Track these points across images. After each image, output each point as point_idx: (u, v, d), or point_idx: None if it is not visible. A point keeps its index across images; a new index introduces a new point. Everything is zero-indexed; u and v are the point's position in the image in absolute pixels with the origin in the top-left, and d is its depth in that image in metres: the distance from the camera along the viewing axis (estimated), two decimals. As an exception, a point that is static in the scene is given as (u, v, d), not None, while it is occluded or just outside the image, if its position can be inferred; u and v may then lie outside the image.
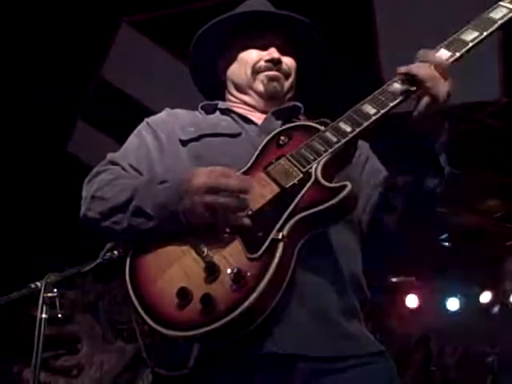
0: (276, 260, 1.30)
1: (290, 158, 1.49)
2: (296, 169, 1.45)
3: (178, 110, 1.84)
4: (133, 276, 1.45)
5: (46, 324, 1.85)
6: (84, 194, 1.62)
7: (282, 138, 1.56)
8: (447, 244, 6.39)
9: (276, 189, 1.44)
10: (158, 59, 4.20)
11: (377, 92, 1.48)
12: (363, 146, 1.77)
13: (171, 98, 4.50)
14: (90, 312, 6.78)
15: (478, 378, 6.52)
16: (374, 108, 1.45)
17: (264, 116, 1.77)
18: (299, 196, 1.39)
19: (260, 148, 1.57)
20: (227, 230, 1.39)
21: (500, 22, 1.46)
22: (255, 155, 1.55)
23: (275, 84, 1.76)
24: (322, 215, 1.38)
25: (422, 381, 7.23)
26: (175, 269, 1.38)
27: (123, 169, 1.65)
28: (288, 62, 1.79)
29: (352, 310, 1.54)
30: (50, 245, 5.51)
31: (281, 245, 1.32)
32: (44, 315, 1.86)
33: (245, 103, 1.82)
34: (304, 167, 1.45)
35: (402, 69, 1.45)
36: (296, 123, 1.62)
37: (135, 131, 1.79)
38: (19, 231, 5.52)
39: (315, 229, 1.41)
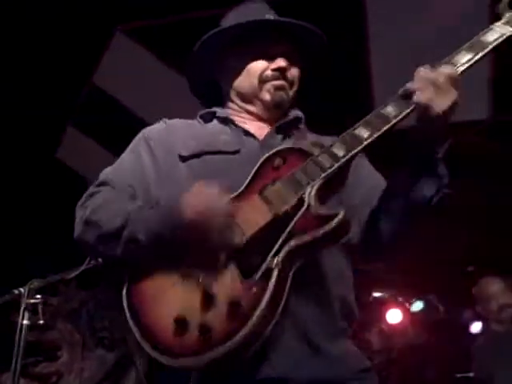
0: (271, 287, 1.31)
1: (284, 182, 1.48)
2: (290, 194, 1.45)
3: (177, 122, 1.83)
4: (130, 302, 1.47)
5: (27, 330, 1.83)
6: (78, 215, 1.61)
7: (277, 160, 1.55)
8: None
9: (270, 215, 1.44)
10: (151, 68, 4.21)
11: (371, 114, 1.49)
12: (361, 162, 1.76)
13: (163, 106, 4.51)
14: (72, 319, 6.73)
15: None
16: (368, 131, 1.46)
17: (264, 125, 1.77)
18: (292, 223, 1.39)
19: (255, 169, 1.56)
20: (222, 257, 1.39)
21: (493, 45, 1.51)
22: (250, 176, 1.55)
23: (282, 93, 1.75)
24: (314, 242, 1.39)
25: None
26: (172, 296, 1.40)
27: (118, 189, 1.64)
28: (293, 70, 1.78)
29: (341, 332, 1.56)
30: (38, 250, 5.47)
31: (275, 272, 1.33)
32: (26, 321, 1.84)
33: (247, 112, 1.80)
34: (297, 192, 1.45)
35: (401, 90, 1.47)
36: (289, 146, 1.61)
37: (132, 146, 1.77)
38: (7, 236, 5.48)
39: (308, 255, 1.42)
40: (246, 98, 1.79)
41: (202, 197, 1.42)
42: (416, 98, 1.43)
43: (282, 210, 1.43)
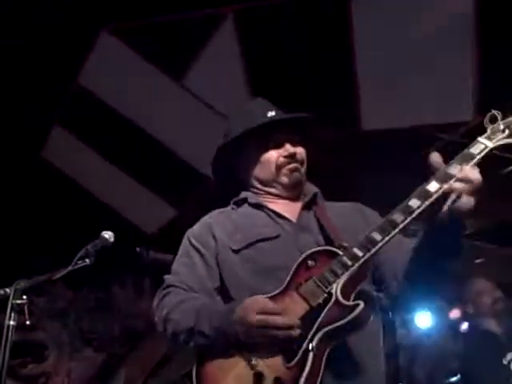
0: (308, 367, 1.63)
1: (316, 280, 1.79)
2: (320, 289, 1.76)
3: (214, 217, 2.14)
4: (198, 381, 1.81)
5: (13, 331, 1.83)
6: (157, 315, 1.99)
7: (310, 261, 1.85)
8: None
9: (306, 307, 1.75)
10: (136, 68, 4.20)
11: (382, 221, 1.78)
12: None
13: (148, 107, 4.52)
14: (59, 319, 6.71)
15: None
16: (380, 235, 1.74)
17: (290, 203, 2.10)
18: (323, 313, 1.71)
19: (292, 270, 1.85)
20: (270, 344, 1.71)
21: (479, 157, 1.75)
22: (289, 276, 1.85)
23: (296, 174, 2.09)
24: (341, 329, 1.68)
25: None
26: (230, 377, 1.74)
27: (182, 289, 2.00)
28: (299, 151, 2.10)
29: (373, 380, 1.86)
30: (24, 250, 5.45)
31: (311, 354, 1.65)
32: (12, 322, 1.85)
33: (269, 193, 2.13)
34: (327, 288, 1.76)
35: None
36: (319, 248, 1.91)
37: (182, 250, 2.12)
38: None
39: (338, 339, 1.71)
40: (266, 182, 2.13)
41: (263, 307, 1.75)
42: (465, 202, 1.69)
43: (315, 303, 1.74)
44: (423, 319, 7.74)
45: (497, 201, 5.16)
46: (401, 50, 3.92)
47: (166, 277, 2.07)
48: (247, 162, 2.15)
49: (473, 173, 1.69)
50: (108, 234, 2.24)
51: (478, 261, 6.84)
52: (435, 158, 1.76)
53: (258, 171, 2.13)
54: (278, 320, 1.71)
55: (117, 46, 4.06)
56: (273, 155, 2.09)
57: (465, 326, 6.82)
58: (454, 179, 1.69)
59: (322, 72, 4.07)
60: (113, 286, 7.09)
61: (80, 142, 5.03)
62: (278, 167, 2.08)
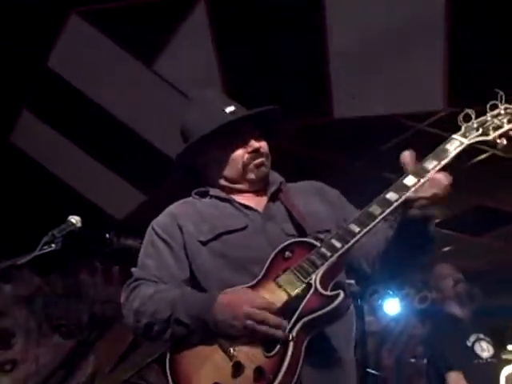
0: (288, 356, 1.63)
1: (294, 270, 1.79)
2: (299, 280, 1.77)
3: (179, 208, 2.11)
4: (172, 371, 1.80)
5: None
6: (127, 308, 1.95)
7: (287, 252, 1.85)
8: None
9: (285, 297, 1.75)
10: (107, 52, 4.14)
11: (360, 213, 1.80)
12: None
13: (119, 91, 4.47)
14: (26, 306, 6.64)
15: (414, 380, 6.69)
16: (358, 227, 1.77)
17: (256, 194, 2.09)
18: (303, 304, 1.71)
19: (269, 261, 1.86)
20: (250, 334, 1.70)
21: (454, 153, 1.79)
22: (265, 267, 1.85)
23: (263, 168, 2.07)
24: (321, 318, 1.69)
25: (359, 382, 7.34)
26: (208, 366, 1.74)
27: (152, 281, 1.96)
28: (263, 144, 2.09)
29: (348, 369, 1.91)
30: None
31: (291, 344, 1.65)
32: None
33: (237, 190, 2.10)
34: (306, 278, 1.76)
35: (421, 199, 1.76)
36: (298, 239, 1.92)
37: (147, 241, 2.08)
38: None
39: (317, 328, 1.72)
40: (232, 180, 2.10)
41: (239, 295, 1.77)
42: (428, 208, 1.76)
43: (294, 293, 1.74)
44: (391, 306, 7.85)
45: (466, 190, 5.25)
46: (374, 38, 3.92)
47: (134, 270, 2.04)
48: (210, 160, 2.12)
49: (440, 185, 1.75)
50: (75, 219, 2.19)
51: (446, 249, 6.95)
52: (407, 157, 1.80)
53: (224, 170, 2.09)
54: (270, 318, 1.70)
55: (87, 28, 3.99)
56: (238, 153, 2.06)
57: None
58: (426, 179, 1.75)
59: (294, 59, 4.06)
60: (81, 272, 7.04)
61: (49, 126, 4.97)
62: (245, 164, 2.06)
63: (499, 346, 4.05)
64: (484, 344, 3.74)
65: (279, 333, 1.67)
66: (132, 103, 4.57)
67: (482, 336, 3.77)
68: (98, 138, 5.04)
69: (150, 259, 2.02)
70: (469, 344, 3.73)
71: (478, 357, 3.69)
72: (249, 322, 1.69)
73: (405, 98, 4.27)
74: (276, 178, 2.14)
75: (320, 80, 4.17)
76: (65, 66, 4.32)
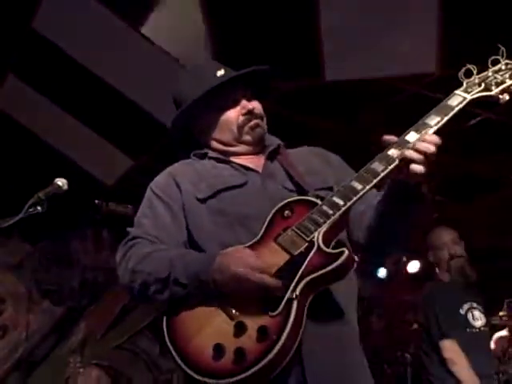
0: (292, 315, 1.61)
1: (295, 229, 1.76)
2: (301, 238, 1.73)
3: (177, 168, 2.07)
4: (170, 334, 1.73)
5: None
6: (122, 267, 1.88)
7: (287, 211, 1.83)
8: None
9: (286, 256, 1.72)
10: (93, 13, 4.05)
11: (362, 170, 1.75)
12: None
13: (105, 53, 4.38)
14: (16, 272, 6.63)
15: (403, 344, 6.77)
16: (361, 184, 1.73)
17: (254, 157, 2.05)
18: (306, 262, 1.68)
19: (268, 220, 1.83)
20: (251, 294, 1.68)
21: (457, 108, 1.76)
22: (265, 226, 1.82)
23: (259, 130, 2.03)
24: (325, 277, 1.66)
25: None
26: (209, 328, 1.69)
27: (149, 241, 1.90)
28: (256, 105, 2.06)
29: (353, 338, 1.88)
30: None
31: (295, 303, 1.62)
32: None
33: (233, 153, 2.06)
34: (308, 236, 1.72)
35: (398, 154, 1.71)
36: (297, 198, 1.89)
37: (145, 201, 2.03)
38: None
39: (321, 286, 1.69)
40: (228, 143, 2.06)
41: (238, 255, 1.72)
42: (415, 169, 1.68)
43: (296, 251, 1.71)
44: (381, 271, 7.90)
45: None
46: (364, 2, 3.86)
47: (130, 229, 1.98)
48: (204, 125, 2.09)
49: (428, 146, 1.70)
50: (61, 181, 2.13)
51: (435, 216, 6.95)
52: (386, 138, 1.76)
53: (219, 133, 2.06)
54: (266, 278, 1.66)
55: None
56: (232, 115, 2.04)
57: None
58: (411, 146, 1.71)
59: (285, 22, 3.99)
60: (71, 239, 7.03)
61: (35, 91, 4.88)
62: (240, 126, 2.02)
63: (490, 313, 4.08)
64: (477, 313, 3.75)
65: (278, 293, 1.64)
66: (119, 66, 4.49)
67: (474, 305, 3.78)
68: (85, 103, 4.96)
69: (147, 219, 1.97)
70: (462, 312, 3.74)
71: (472, 326, 3.70)
72: (245, 282, 1.66)
73: (396, 61, 4.22)
74: (273, 140, 2.11)
75: (311, 42, 4.11)
76: (50, 27, 4.22)
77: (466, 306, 3.76)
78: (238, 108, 2.03)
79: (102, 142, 5.39)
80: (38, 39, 4.29)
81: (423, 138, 1.70)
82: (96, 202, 6.30)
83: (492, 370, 4.01)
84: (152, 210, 1.98)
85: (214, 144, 2.08)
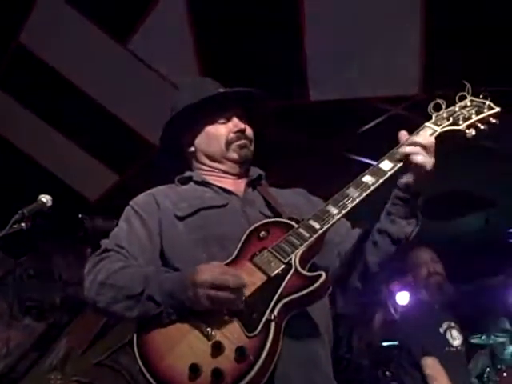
0: (271, 336, 1.61)
1: (271, 250, 1.78)
2: (278, 260, 1.75)
3: (160, 189, 2.08)
4: (142, 352, 1.71)
5: None
6: (90, 278, 1.86)
7: (263, 232, 1.85)
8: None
9: (263, 277, 1.73)
10: (80, 28, 4.07)
11: (337, 194, 1.80)
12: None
13: (92, 70, 4.40)
14: (-3, 287, 6.58)
15: (384, 362, 6.78)
16: (337, 208, 1.78)
17: (236, 180, 2.09)
18: (284, 283, 1.69)
19: (243, 239, 1.85)
20: (226, 313, 1.67)
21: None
22: (240, 245, 1.83)
23: (246, 150, 2.07)
24: (302, 299, 1.68)
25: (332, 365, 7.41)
26: (182, 347, 1.67)
27: (121, 254, 1.90)
28: (248, 129, 2.10)
29: (324, 349, 1.87)
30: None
31: (273, 324, 1.62)
32: None
33: (217, 169, 2.10)
34: (285, 258, 1.74)
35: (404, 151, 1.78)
36: (274, 219, 1.92)
37: (123, 217, 2.03)
38: None
39: (298, 308, 1.70)
40: (214, 158, 2.09)
41: (213, 267, 1.71)
42: (414, 159, 1.75)
43: (273, 272, 1.72)
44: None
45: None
46: (350, 22, 3.91)
47: (104, 241, 1.98)
48: (195, 135, 2.12)
49: (421, 138, 1.78)
50: (46, 198, 2.15)
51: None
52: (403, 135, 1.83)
53: (207, 146, 2.10)
54: (230, 280, 1.66)
55: (59, 4, 3.91)
56: (223, 130, 2.07)
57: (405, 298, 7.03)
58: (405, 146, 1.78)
59: (270, 41, 4.04)
60: (53, 254, 6.98)
61: (19, 104, 4.88)
62: (228, 143, 2.06)
63: (467, 333, 4.12)
64: (455, 332, 3.81)
65: (239, 304, 1.65)
66: (106, 81, 4.50)
67: (452, 324, 3.84)
68: (70, 117, 4.96)
69: (122, 232, 1.98)
70: (441, 331, 3.79)
71: (450, 344, 3.76)
72: (211, 291, 1.65)
73: (380, 82, 4.28)
74: (255, 170, 2.14)
75: (296, 63, 4.15)
76: (37, 42, 4.23)
77: (444, 326, 3.82)
78: (230, 125, 2.07)
79: (87, 157, 5.38)
80: (24, 53, 4.30)
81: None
82: (80, 216, 6.28)
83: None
84: (128, 224, 1.98)
85: (200, 157, 2.11)
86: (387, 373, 6.17)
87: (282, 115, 4.62)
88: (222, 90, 2.10)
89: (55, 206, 2.20)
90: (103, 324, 6.93)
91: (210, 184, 2.06)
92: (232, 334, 1.64)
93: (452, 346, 3.75)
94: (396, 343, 4.01)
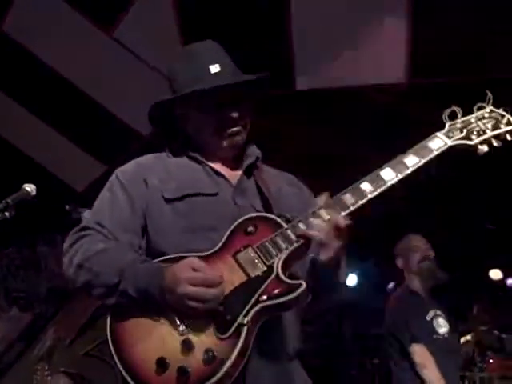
0: (241, 341, 1.59)
1: (256, 249, 1.73)
2: (261, 261, 1.71)
3: (148, 160, 2.00)
4: (114, 339, 1.69)
5: None
6: (68, 257, 1.82)
7: (250, 227, 1.78)
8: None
9: (243, 277, 1.69)
10: (65, 16, 4.03)
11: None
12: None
13: (76, 56, 4.36)
14: (-17, 278, 6.55)
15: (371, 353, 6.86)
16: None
17: (231, 165, 2.00)
18: (262, 287, 1.65)
19: (229, 232, 1.78)
20: (201, 311, 1.63)
21: (436, 153, 1.76)
22: (225, 237, 1.77)
23: (238, 138, 1.97)
24: (279, 306, 1.65)
25: (320, 352, 7.46)
26: (154, 338, 1.65)
27: (102, 234, 1.83)
28: (243, 115, 1.98)
29: (294, 357, 1.84)
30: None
31: (245, 328, 1.60)
32: None
33: (210, 153, 1.99)
34: (268, 260, 1.70)
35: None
36: (261, 214, 1.85)
37: (107, 186, 1.96)
38: None
39: (273, 314, 1.68)
40: (206, 144, 1.99)
41: (195, 278, 1.64)
42: (324, 253, 1.72)
43: (254, 274, 1.68)
44: (350, 278, 7.94)
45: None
46: (337, 11, 3.91)
47: (85, 215, 1.95)
48: (188, 118, 2.02)
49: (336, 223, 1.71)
50: (30, 187, 2.11)
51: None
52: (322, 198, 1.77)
53: (199, 130, 2.00)
54: (210, 293, 1.63)
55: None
56: (216, 117, 1.96)
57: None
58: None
59: (257, 30, 4.02)
60: (40, 245, 6.95)
61: (6, 95, 4.84)
62: (220, 130, 1.96)
63: (454, 322, 4.15)
64: (441, 320, 3.84)
65: (220, 308, 1.62)
66: (91, 71, 4.47)
67: (438, 312, 3.86)
68: (56, 108, 4.93)
69: (104, 204, 1.91)
70: (428, 318, 3.82)
71: (437, 332, 3.78)
72: (192, 302, 1.62)
73: (368, 71, 4.27)
74: (253, 151, 2.05)
75: (282, 52, 4.14)
76: (20, 31, 4.19)
77: (431, 313, 3.84)
78: (224, 111, 1.95)
79: (74, 148, 5.36)
80: (8, 42, 4.26)
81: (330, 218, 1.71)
82: (67, 207, 6.24)
83: (457, 376, 4.12)
84: (112, 198, 1.91)
85: (194, 140, 2.02)
86: (375, 360, 6.22)
87: (267, 104, 4.62)
88: (216, 69, 1.97)
89: (41, 196, 2.18)
90: (91, 314, 6.93)
91: (202, 162, 1.98)
92: (203, 333, 1.62)
93: (439, 333, 3.78)
94: (383, 331, 4.02)
